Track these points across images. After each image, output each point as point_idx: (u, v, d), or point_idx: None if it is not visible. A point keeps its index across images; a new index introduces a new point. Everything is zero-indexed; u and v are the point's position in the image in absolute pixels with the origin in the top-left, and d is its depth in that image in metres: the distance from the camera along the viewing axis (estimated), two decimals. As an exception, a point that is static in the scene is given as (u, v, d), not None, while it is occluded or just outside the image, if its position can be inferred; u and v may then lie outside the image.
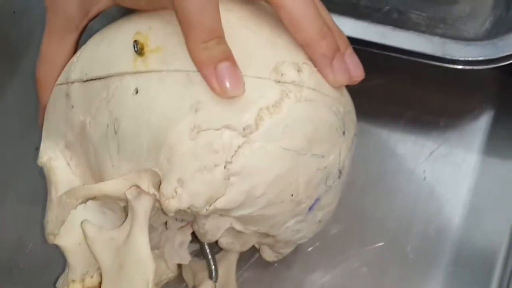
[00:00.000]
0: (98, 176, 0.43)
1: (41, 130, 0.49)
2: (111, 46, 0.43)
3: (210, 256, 0.49)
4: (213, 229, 0.44)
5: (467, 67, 0.52)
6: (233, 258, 0.50)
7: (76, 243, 0.44)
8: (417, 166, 0.53)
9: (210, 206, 0.40)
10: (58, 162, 0.45)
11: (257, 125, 0.40)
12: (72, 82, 0.44)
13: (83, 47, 0.45)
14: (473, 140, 0.53)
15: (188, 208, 0.40)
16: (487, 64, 0.51)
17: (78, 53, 0.45)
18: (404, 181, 0.53)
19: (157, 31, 0.42)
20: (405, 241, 0.51)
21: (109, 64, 0.42)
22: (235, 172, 0.40)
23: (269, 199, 0.41)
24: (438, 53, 0.52)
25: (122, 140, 0.41)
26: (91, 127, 0.42)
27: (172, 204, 0.40)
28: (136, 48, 0.41)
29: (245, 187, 0.40)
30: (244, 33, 0.41)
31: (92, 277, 0.44)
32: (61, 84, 0.45)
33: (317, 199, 0.43)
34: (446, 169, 0.53)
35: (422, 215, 0.52)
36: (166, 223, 0.47)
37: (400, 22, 0.58)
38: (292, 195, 0.42)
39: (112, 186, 0.41)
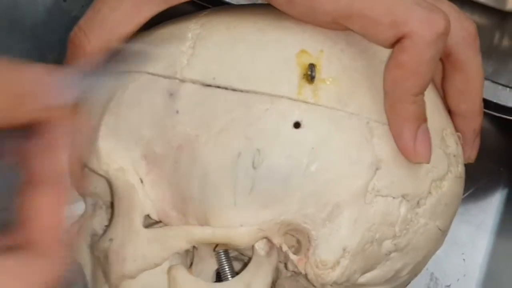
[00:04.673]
0: (197, 209, 0.33)
1: None
2: (259, 55, 0.33)
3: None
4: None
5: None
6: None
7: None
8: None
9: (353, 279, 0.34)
10: (131, 176, 0.34)
11: (426, 199, 0.34)
12: (184, 81, 0.34)
13: (198, 38, 0.35)
14: (490, 201, 0.52)
15: (341, 283, 0.33)
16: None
17: (190, 43, 0.35)
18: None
19: (330, 58, 0.33)
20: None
21: (255, 77, 0.33)
22: (399, 248, 0.34)
23: (405, 280, 0.36)
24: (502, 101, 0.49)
25: (261, 179, 0.32)
26: (207, 147, 0.33)
27: (332, 276, 0.32)
28: (312, 73, 0.32)
29: (398, 265, 0.35)
30: None
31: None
32: (155, 75, 0.34)
33: None
34: (463, 228, 0.51)
35: (437, 273, 0.50)
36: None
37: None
38: (415, 274, 0.37)
39: (243, 235, 0.32)
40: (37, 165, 0.28)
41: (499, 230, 0.52)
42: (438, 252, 0.48)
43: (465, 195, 0.53)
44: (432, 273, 0.50)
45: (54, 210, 0.28)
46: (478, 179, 0.53)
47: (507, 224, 0.52)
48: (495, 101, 0.51)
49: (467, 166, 0.43)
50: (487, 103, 0.51)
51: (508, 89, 0.49)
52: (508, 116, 0.51)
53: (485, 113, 0.50)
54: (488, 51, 0.56)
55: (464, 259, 0.51)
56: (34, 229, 0.28)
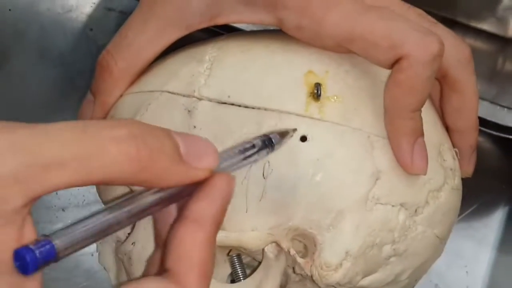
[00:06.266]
0: None
1: None
2: (270, 75, 0.37)
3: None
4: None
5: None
6: None
7: None
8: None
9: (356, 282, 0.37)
10: None
11: (423, 208, 0.37)
12: (201, 99, 0.37)
13: (214, 60, 0.38)
14: (493, 217, 0.55)
15: (343, 284, 0.36)
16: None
17: (207, 65, 0.38)
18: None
19: (335, 78, 0.37)
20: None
21: (266, 95, 0.36)
22: (398, 253, 0.37)
23: (405, 284, 0.39)
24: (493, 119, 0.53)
25: (271, 188, 0.35)
26: None
27: (335, 277, 0.35)
28: (318, 92, 0.36)
29: (397, 269, 0.37)
30: None
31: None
32: (175, 93, 0.38)
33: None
34: (466, 242, 0.54)
35: (441, 285, 0.52)
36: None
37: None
38: (416, 280, 0.40)
39: (254, 239, 0.36)
40: (194, 204, 0.30)
41: (500, 245, 0.54)
42: (442, 264, 0.51)
43: (469, 211, 0.56)
44: (436, 285, 0.52)
45: (203, 249, 0.29)
46: (481, 195, 0.55)
47: (509, 239, 0.54)
48: (498, 122, 0.54)
49: (471, 184, 0.45)
50: (489, 124, 0.54)
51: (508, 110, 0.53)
52: (510, 135, 0.54)
53: (488, 134, 0.54)
54: (491, 75, 0.59)
55: (467, 272, 0.53)
56: (182, 263, 0.28)
